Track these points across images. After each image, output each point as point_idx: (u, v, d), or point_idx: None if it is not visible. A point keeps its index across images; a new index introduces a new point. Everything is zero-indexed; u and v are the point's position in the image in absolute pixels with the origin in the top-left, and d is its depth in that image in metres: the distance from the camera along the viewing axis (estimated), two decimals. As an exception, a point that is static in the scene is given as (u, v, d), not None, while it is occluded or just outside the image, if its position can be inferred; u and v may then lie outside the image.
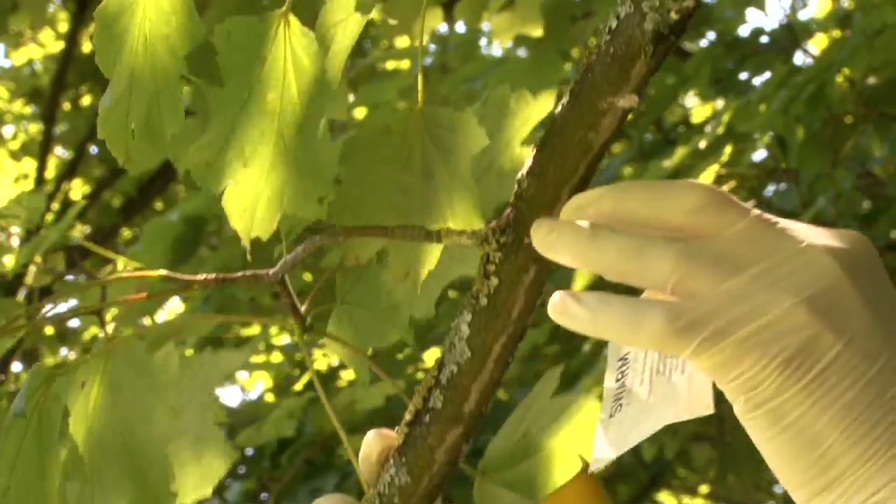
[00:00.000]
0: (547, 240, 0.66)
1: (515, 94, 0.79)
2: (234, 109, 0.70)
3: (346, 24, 0.70)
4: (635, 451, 3.30)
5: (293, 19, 0.69)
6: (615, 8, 0.64)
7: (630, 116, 0.66)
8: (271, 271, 0.71)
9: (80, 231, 4.79)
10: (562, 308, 0.63)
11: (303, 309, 0.75)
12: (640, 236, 0.63)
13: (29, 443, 0.73)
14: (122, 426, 0.76)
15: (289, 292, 0.72)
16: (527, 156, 0.68)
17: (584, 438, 0.77)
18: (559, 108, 0.66)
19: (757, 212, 0.63)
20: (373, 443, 0.74)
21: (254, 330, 3.12)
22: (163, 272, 0.69)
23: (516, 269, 0.69)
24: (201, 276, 0.70)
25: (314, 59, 0.69)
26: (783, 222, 0.62)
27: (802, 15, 3.95)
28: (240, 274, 0.71)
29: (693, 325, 0.60)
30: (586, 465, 0.71)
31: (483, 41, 3.68)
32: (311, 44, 0.69)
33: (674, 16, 0.62)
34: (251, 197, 0.71)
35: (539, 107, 0.79)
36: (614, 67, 0.64)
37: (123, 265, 0.77)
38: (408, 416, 0.72)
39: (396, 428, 0.73)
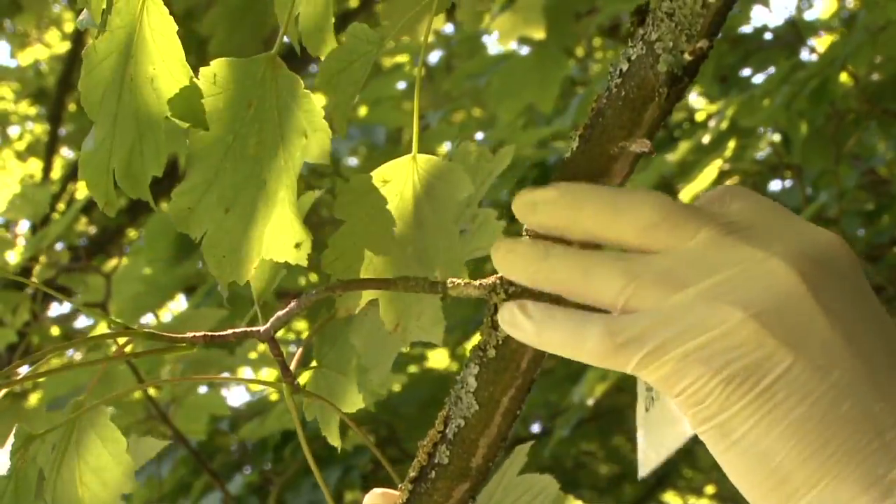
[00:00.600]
0: (506, 259, 0.63)
1: (477, 150, 0.76)
2: (218, 154, 0.67)
3: (350, 72, 0.68)
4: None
5: (280, 63, 0.67)
6: (625, 49, 0.61)
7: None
8: (262, 328, 0.68)
9: (84, 226, 4.78)
10: (510, 319, 0.61)
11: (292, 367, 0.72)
12: (589, 254, 0.60)
13: (6, 504, 0.71)
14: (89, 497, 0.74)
15: (279, 352, 0.69)
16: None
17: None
18: (568, 153, 0.63)
19: (717, 224, 0.59)
20: (374, 503, 0.71)
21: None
22: (148, 330, 0.67)
23: (525, 320, 0.66)
24: (189, 334, 0.67)
25: (300, 104, 0.66)
26: (746, 231, 0.59)
27: (808, 15, 3.92)
28: (230, 331, 0.68)
29: (633, 341, 0.57)
30: None
31: (486, 38, 3.65)
32: (297, 88, 0.66)
33: (688, 57, 0.59)
34: (231, 243, 0.69)
35: (497, 162, 0.77)
36: (626, 111, 0.61)
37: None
38: (412, 473, 0.68)
39: (400, 485, 0.70)
